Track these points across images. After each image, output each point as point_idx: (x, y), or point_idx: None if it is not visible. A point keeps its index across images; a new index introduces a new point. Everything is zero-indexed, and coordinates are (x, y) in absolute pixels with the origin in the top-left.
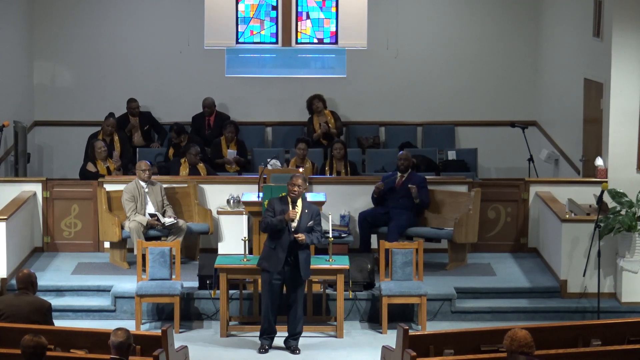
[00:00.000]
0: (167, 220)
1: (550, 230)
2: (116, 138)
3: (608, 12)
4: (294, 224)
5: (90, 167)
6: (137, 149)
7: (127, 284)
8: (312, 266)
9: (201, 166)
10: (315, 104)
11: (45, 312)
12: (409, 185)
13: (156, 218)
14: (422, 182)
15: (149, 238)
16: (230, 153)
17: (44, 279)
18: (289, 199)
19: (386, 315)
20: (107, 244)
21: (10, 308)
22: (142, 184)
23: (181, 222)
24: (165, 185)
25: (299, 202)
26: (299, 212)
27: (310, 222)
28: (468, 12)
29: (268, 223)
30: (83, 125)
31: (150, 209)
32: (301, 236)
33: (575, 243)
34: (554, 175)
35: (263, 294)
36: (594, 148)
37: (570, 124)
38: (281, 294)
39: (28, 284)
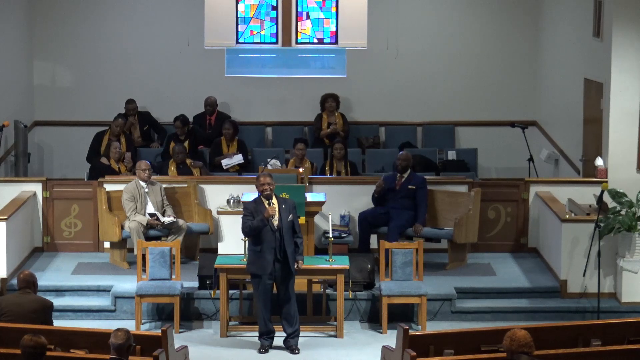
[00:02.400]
0: (167, 219)
1: (550, 230)
2: (123, 139)
3: (608, 12)
4: (276, 222)
5: (104, 160)
6: (137, 149)
7: (127, 284)
8: (312, 266)
9: (195, 169)
10: (330, 102)
11: (47, 311)
12: (414, 229)
13: (156, 217)
14: (422, 183)
15: (149, 238)
16: (236, 157)
17: (44, 279)
18: (262, 199)
19: (386, 315)
20: (107, 244)
21: (13, 306)
22: (142, 184)
23: (181, 221)
24: (165, 185)
25: (274, 200)
26: (277, 208)
27: (290, 217)
28: (468, 12)
29: (250, 226)
30: (83, 125)
31: (150, 209)
32: (300, 264)
33: (575, 243)
34: (554, 175)
35: (256, 298)
36: (594, 148)
37: (570, 124)
38: (272, 293)
39: (30, 283)
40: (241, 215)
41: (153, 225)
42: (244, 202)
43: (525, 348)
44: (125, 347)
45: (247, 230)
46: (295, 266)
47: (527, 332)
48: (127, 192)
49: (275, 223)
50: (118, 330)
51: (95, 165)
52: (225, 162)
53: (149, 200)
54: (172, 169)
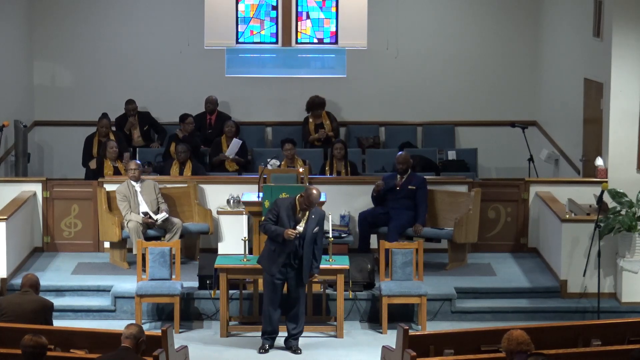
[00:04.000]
0: (159, 217)
1: (550, 230)
2: (112, 138)
3: (608, 12)
4: (300, 228)
5: (92, 164)
6: (137, 149)
7: (127, 284)
8: None
9: (188, 164)
10: (317, 110)
11: (47, 311)
12: (413, 229)
13: (149, 216)
14: (422, 183)
15: (148, 238)
16: (234, 143)
17: (44, 279)
18: (298, 207)
19: (386, 315)
20: (107, 244)
21: (13, 306)
22: (133, 183)
23: (175, 220)
24: (165, 185)
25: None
26: (306, 217)
27: (316, 229)
28: (468, 13)
29: (268, 230)
30: (83, 125)
31: (145, 207)
32: (314, 279)
33: (575, 243)
34: (554, 175)
35: (264, 293)
36: (594, 148)
37: (570, 124)
38: (282, 293)
39: (33, 285)
40: (241, 215)
41: (148, 224)
42: (278, 199)
43: (523, 346)
44: (136, 338)
45: (263, 231)
46: (310, 277)
47: (523, 331)
48: (119, 193)
49: (299, 229)
50: (131, 324)
51: (86, 171)
52: (229, 152)
53: (142, 199)
54: (176, 167)
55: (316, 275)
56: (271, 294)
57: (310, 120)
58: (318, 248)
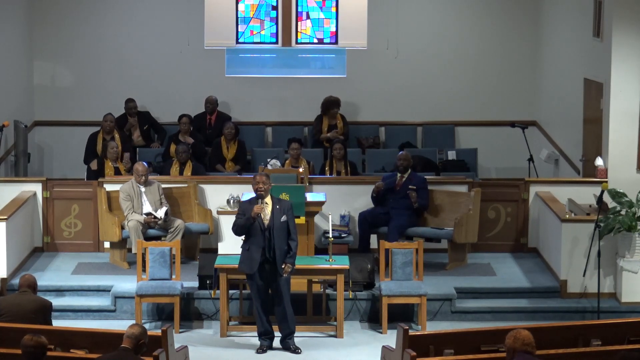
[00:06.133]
0: (160, 213)
1: (550, 230)
2: (117, 136)
3: (608, 12)
4: (266, 221)
5: (93, 164)
6: (137, 149)
7: (127, 284)
8: (312, 266)
9: (188, 164)
10: (334, 109)
11: (46, 311)
12: (408, 189)
13: (152, 216)
14: (422, 183)
15: (148, 238)
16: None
17: (44, 279)
18: (257, 197)
19: (386, 315)
20: (107, 244)
21: (13, 307)
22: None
23: (178, 221)
24: (165, 186)
25: (268, 200)
26: (270, 208)
27: (284, 218)
28: (468, 12)
29: (237, 224)
30: (83, 125)
31: (148, 208)
32: (286, 269)
33: (575, 243)
34: (554, 175)
35: (252, 296)
36: (594, 148)
37: (570, 124)
38: (268, 293)
39: (31, 285)
40: None
41: (150, 223)
42: (241, 202)
43: (528, 347)
44: (137, 339)
45: (234, 229)
46: (283, 269)
47: (529, 332)
48: (123, 192)
49: (266, 222)
50: (135, 324)
51: (87, 170)
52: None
53: (146, 199)
54: (176, 167)
55: (290, 265)
56: (256, 294)
57: (325, 119)
58: (293, 240)
